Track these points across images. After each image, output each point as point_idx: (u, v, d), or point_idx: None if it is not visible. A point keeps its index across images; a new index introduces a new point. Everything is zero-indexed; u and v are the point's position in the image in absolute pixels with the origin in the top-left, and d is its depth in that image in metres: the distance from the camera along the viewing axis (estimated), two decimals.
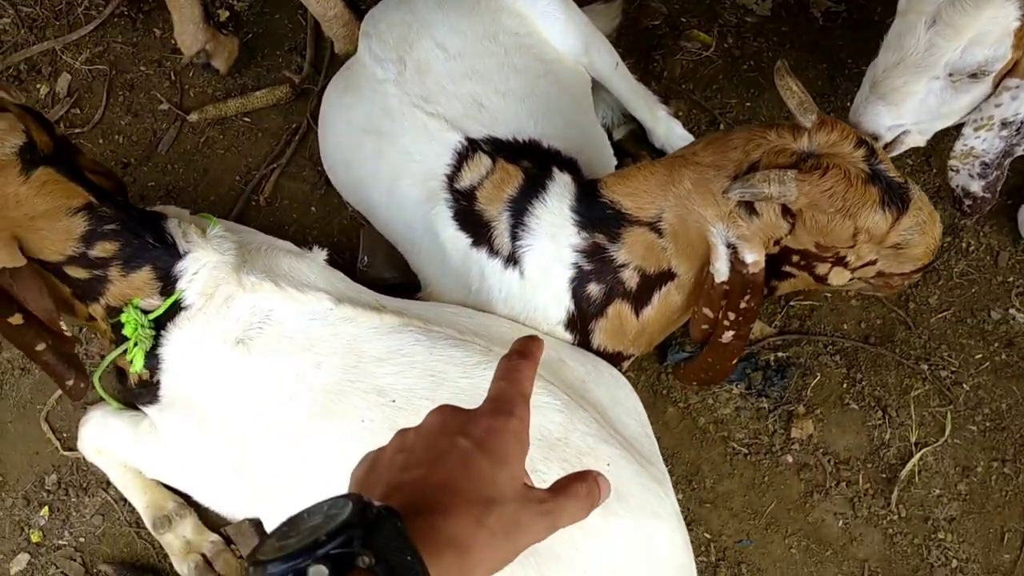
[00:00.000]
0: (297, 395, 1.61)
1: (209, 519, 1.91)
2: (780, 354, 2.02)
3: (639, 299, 1.73)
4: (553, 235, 1.71)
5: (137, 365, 1.66)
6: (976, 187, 1.75)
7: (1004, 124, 1.65)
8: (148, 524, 1.89)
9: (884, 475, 1.92)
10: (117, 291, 1.60)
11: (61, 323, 1.56)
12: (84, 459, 1.95)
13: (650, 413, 1.77)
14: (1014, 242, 2.09)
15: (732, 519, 1.91)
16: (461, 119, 1.82)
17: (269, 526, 1.74)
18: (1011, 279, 2.07)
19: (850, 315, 2.05)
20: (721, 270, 1.63)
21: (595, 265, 1.70)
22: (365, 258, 2.10)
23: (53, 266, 1.54)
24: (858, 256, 1.63)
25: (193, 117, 2.34)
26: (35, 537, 1.95)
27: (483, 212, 1.76)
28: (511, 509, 0.73)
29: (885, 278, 1.71)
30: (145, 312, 1.63)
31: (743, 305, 1.67)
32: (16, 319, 1.50)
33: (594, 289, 1.72)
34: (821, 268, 1.65)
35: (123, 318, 1.63)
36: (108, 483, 1.96)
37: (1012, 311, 2.04)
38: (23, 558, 1.94)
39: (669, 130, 2.18)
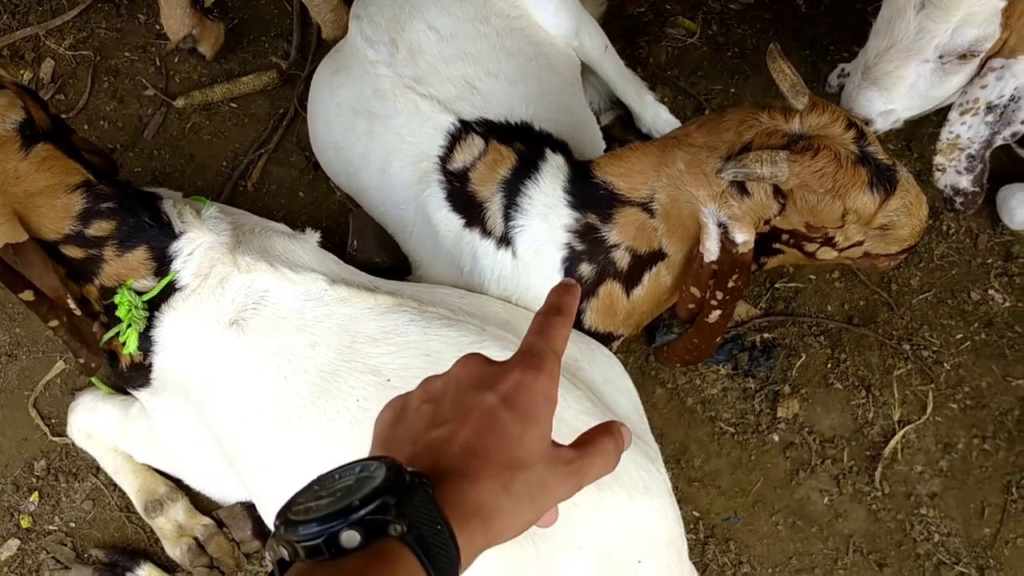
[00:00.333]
0: (292, 376, 1.62)
1: (200, 502, 1.91)
2: (766, 335, 2.05)
3: (630, 279, 1.75)
4: (546, 215, 1.72)
5: (131, 346, 1.66)
6: (965, 183, 1.78)
7: (989, 108, 1.68)
8: (139, 508, 1.89)
9: (868, 452, 1.96)
10: (112, 271, 1.60)
11: (69, 300, 1.55)
12: (73, 444, 1.95)
13: (639, 394, 1.79)
14: (993, 225, 2.14)
15: (720, 497, 1.94)
16: (454, 101, 1.83)
17: (262, 509, 1.74)
18: (990, 261, 2.11)
19: (834, 297, 2.09)
20: (711, 250, 1.65)
21: (587, 245, 1.72)
22: (355, 242, 2.10)
23: (49, 245, 1.54)
24: (846, 237, 1.66)
25: (179, 103, 2.33)
26: (25, 523, 1.94)
27: (476, 193, 1.78)
28: (538, 472, 0.72)
29: (871, 258, 1.75)
30: (139, 293, 1.63)
31: (731, 285, 1.70)
32: (27, 295, 1.51)
33: (586, 269, 1.74)
34: (809, 247, 1.68)
35: (117, 299, 1.63)
36: (98, 468, 1.96)
37: (991, 292, 2.09)
38: (13, 543, 1.93)
39: (656, 115, 2.20)
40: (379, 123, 1.89)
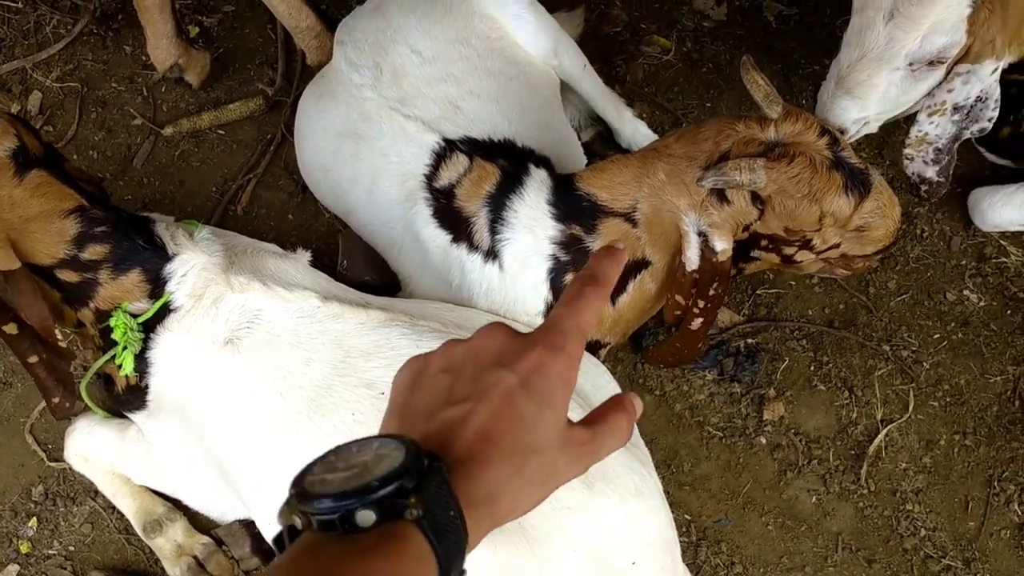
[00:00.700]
0: (287, 392, 1.64)
1: (199, 522, 1.93)
2: (749, 340, 2.10)
3: (615, 288, 1.79)
4: (531, 228, 1.77)
5: (127, 368, 1.69)
6: (931, 172, 1.85)
7: (956, 109, 1.75)
8: (138, 529, 1.91)
9: (853, 452, 2.00)
10: (107, 294, 1.63)
11: (56, 331, 1.57)
12: (71, 469, 1.96)
13: None
14: (965, 227, 2.20)
15: (710, 500, 1.98)
16: (438, 121, 1.88)
17: (261, 525, 1.77)
18: (964, 262, 2.17)
19: (814, 301, 2.14)
20: (692, 258, 1.70)
21: (572, 256, 1.77)
22: (344, 262, 2.14)
23: (44, 270, 1.57)
24: (823, 239, 1.71)
25: (167, 131, 2.37)
26: (24, 548, 1.96)
27: (462, 209, 1.82)
28: (551, 456, 0.72)
29: (848, 260, 1.80)
30: (134, 316, 1.65)
31: (711, 293, 1.75)
32: (11, 328, 1.52)
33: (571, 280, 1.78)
34: (788, 251, 1.73)
35: (112, 322, 1.66)
36: (96, 492, 1.97)
37: (966, 292, 2.14)
38: (12, 569, 1.94)
39: (635, 130, 2.26)
40: (365, 145, 1.94)
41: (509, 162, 1.84)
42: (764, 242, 1.72)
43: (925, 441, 2.02)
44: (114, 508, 1.95)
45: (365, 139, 1.94)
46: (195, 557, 1.90)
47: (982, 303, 2.13)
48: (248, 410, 1.66)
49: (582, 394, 1.73)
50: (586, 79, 2.19)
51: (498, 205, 1.79)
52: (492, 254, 1.80)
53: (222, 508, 1.89)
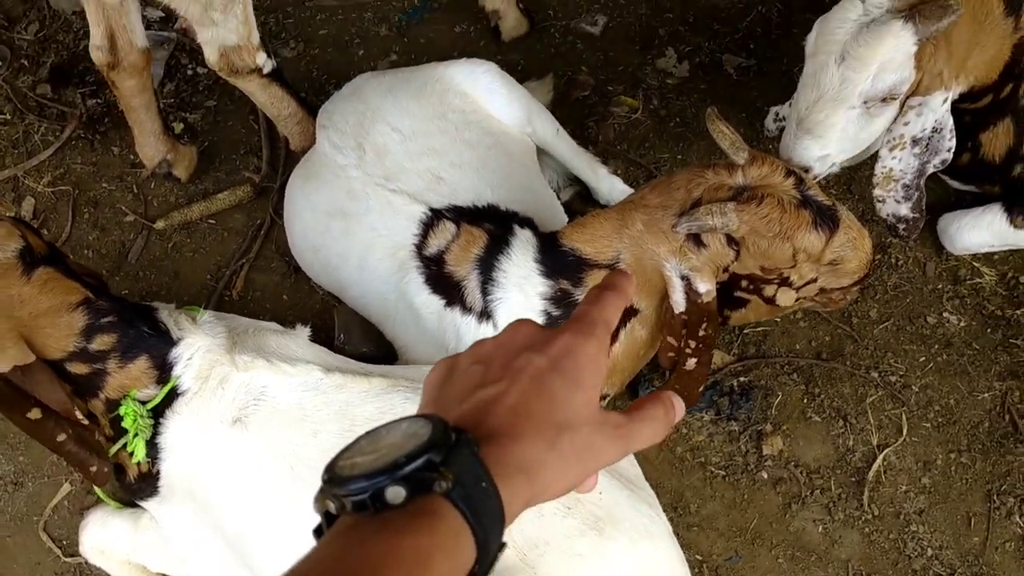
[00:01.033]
0: (297, 465, 1.68)
1: None
2: (742, 379, 2.15)
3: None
4: (521, 286, 1.83)
5: (139, 455, 1.72)
6: (905, 210, 1.93)
7: (915, 141, 1.85)
8: None
9: (853, 479, 2.05)
10: (116, 383, 1.67)
11: (76, 412, 1.61)
12: (87, 563, 1.98)
13: None
14: (938, 252, 2.28)
15: (719, 539, 2.01)
16: (423, 192, 1.96)
17: None
18: (940, 286, 2.25)
19: (800, 336, 2.21)
20: (679, 301, 1.77)
21: (563, 310, 1.83)
22: (341, 336, 2.19)
23: (55, 364, 1.61)
24: (800, 275, 1.78)
25: (159, 225, 2.44)
26: None
27: (453, 273, 1.89)
28: (584, 433, 0.72)
29: (827, 294, 1.87)
30: (143, 403, 1.70)
31: (702, 332, 1.80)
32: (35, 413, 1.56)
33: None
34: (768, 290, 1.80)
35: (122, 411, 1.69)
36: None
37: (946, 314, 2.21)
38: None
39: (611, 187, 2.34)
40: (354, 221, 2.01)
41: (495, 225, 1.92)
42: (744, 283, 1.78)
43: (922, 462, 2.06)
44: None
45: (353, 216, 2.01)
46: None
47: (962, 323, 2.20)
48: (259, 487, 1.69)
49: None
50: (560, 142, 2.28)
51: (488, 267, 1.86)
52: (486, 314, 1.86)
53: None
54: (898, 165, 1.90)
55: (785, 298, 1.83)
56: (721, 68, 2.63)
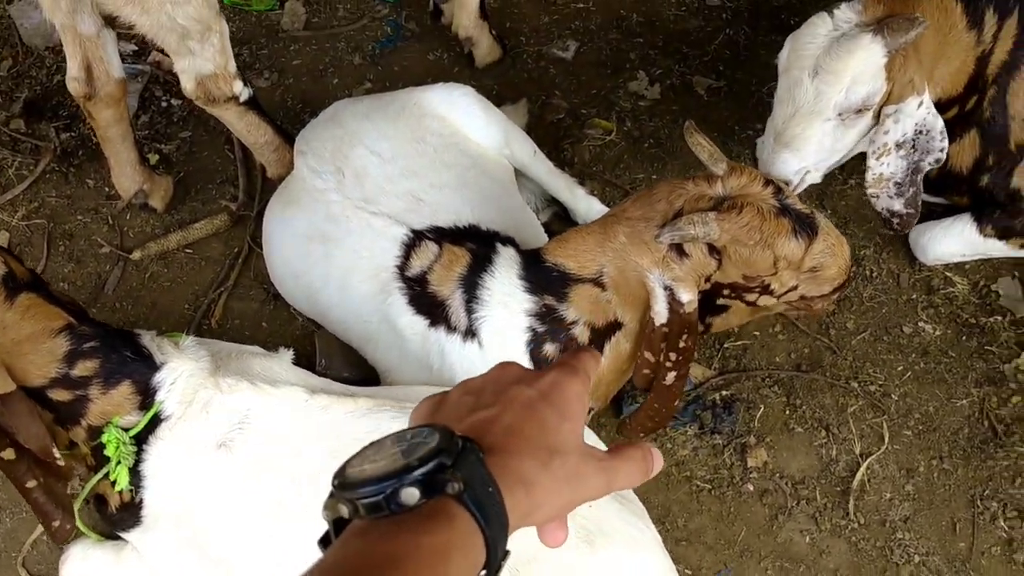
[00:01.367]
0: (284, 487, 1.66)
1: None
2: (724, 392, 2.17)
3: None
4: (506, 303, 1.84)
5: (122, 483, 1.69)
6: (898, 205, 1.98)
7: (898, 146, 1.89)
8: None
9: (838, 488, 2.06)
10: (98, 409, 1.64)
11: (55, 451, 1.58)
12: None
13: None
14: (911, 264, 2.32)
15: (708, 552, 2.01)
16: (403, 214, 1.96)
17: None
18: (915, 296, 2.28)
19: (780, 348, 2.23)
20: (661, 312, 1.78)
21: (548, 326, 1.84)
22: (323, 361, 2.18)
23: (37, 391, 1.59)
24: (781, 283, 1.80)
25: (136, 255, 2.42)
26: None
27: (437, 293, 1.89)
28: (573, 460, 0.75)
29: (808, 301, 1.89)
30: (125, 430, 1.67)
31: (682, 345, 1.82)
32: (8, 454, 1.53)
33: (550, 349, 1.85)
34: (750, 297, 1.82)
35: (104, 438, 1.67)
36: None
37: (921, 324, 2.25)
38: None
39: (589, 207, 2.36)
40: (334, 245, 2.01)
41: (477, 244, 1.92)
42: (727, 291, 1.80)
43: (905, 470, 2.08)
44: None
45: (334, 239, 2.01)
46: None
47: (937, 332, 2.24)
48: (245, 510, 1.67)
49: None
50: (537, 164, 2.30)
51: (471, 285, 1.86)
52: (471, 333, 1.86)
53: None
54: (887, 169, 1.94)
55: (767, 304, 1.86)
56: (692, 90, 2.68)
